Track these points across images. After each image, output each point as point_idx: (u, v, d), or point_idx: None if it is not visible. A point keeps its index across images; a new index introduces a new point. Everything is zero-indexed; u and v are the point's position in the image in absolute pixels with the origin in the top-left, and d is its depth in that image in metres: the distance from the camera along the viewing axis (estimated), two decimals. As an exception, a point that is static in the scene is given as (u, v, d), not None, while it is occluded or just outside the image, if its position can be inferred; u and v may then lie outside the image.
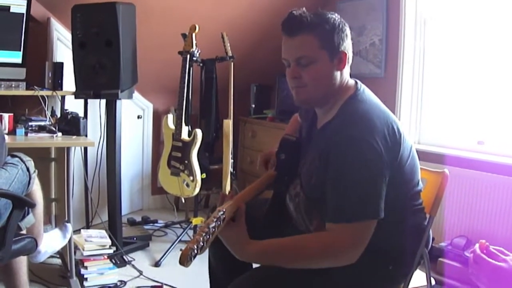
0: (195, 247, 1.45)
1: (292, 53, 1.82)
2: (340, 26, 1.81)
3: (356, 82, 1.91)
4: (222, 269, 2.21)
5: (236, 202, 1.74)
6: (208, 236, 1.50)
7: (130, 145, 4.88)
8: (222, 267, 2.21)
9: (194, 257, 1.46)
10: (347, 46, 1.84)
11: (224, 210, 1.62)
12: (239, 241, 1.70)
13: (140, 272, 3.57)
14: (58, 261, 3.59)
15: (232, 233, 1.69)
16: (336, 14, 1.84)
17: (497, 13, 3.60)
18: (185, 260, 1.44)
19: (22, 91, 3.66)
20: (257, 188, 2.01)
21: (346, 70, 1.87)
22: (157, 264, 3.75)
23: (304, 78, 1.80)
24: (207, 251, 1.71)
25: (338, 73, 1.83)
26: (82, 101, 4.03)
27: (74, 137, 3.51)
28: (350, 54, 1.86)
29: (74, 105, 3.93)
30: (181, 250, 1.48)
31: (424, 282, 2.14)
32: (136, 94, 4.38)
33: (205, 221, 1.62)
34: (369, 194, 1.67)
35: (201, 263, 1.88)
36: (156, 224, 4.69)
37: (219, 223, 1.56)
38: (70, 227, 3.13)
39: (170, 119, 4.04)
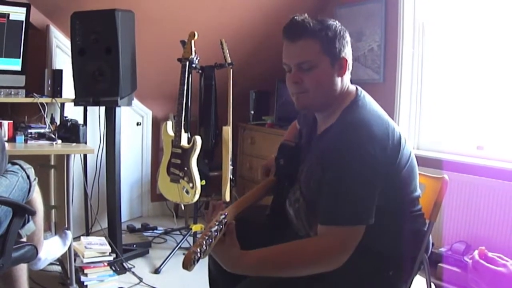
0: (198, 250, 1.45)
1: (294, 58, 1.82)
2: (341, 33, 1.83)
3: (356, 88, 1.92)
4: (222, 277, 2.20)
5: (237, 206, 1.74)
6: (210, 240, 1.50)
7: (130, 152, 4.88)
8: (222, 274, 2.20)
9: (197, 261, 1.46)
10: (348, 52, 1.85)
11: (226, 213, 1.61)
12: (232, 255, 1.65)
13: (140, 279, 3.56)
14: (58, 268, 3.58)
15: (225, 249, 1.64)
16: (337, 21, 1.85)
17: (495, 17, 3.62)
18: (189, 263, 1.44)
19: (21, 99, 3.65)
20: (257, 194, 2.01)
21: (347, 77, 1.88)
22: (157, 271, 3.75)
23: (306, 83, 1.81)
24: (207, 257, 1.71)
25: (339, 79, 1.84)
26: (81, 108, 4.03)
27: (74, 144, 3.51)
28: (350, 61, 1.87)
29: (73, 112, 3.93)
30: (184, 254, 1.48)
31: (424, 287, 2.14)
32: (135, 101, 4.38)
33: (206, 225, 1.61)
34: (362, 199, 1.68)
35: (201, 271, 1.88)
36: (155, 231, 4.69)
37: (221, 226, 1.56)
38: (70, 234, 3.13)
39: (170, 126, 4.04)
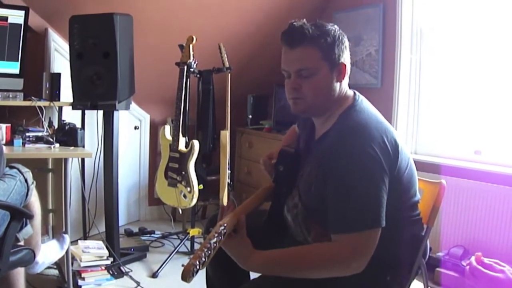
0: (197, 262, 1.45)
1: (293, 65, 1.81)
2: (340, 38, 1.82)
3: (354, 93, 1.92)
4: (220, 281, 2.20)
5: (236, 215, 1.74)
6: (209, 252, 1.50)
7: (127, 156, 4.87)
8: (219, 278, 2.20)
9: (196, 272, 1.46)
10: (346, 57, 1.85)
11: (225, 224, 1.61)
12: (243, 252, 1.70)
13: (138, 283, 3.55)
14: (55, 272, 3.57)
15: (236, 245, 1.70)
16: (336, 26, 1.84)
17: (493, 22, 3.63)
18: (187, 276, 1.44)
19: (19, 102, 3.66)
20: (256, 200, 2.01)
21: (345, 81, 1.88)
22: (154, 275, 3.74)
23: (305, 89, 1.81)
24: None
25: (337, 84, 1.84)
26: (79, 112, 4.02)
27: (72, 148, 3.50)
28: (349, 66, 1.87)
29: (71, 116, 3.92)
30: (183, 265, 1.48)
31: (421, 292, 2.14)
32: (133, 105, 4.38)
33: (203, 233, 1.62)
34: (369, 203, 1.67)
35: (199, 275, 1.87)
36: (153, 235, 4.68)
37: (220, 238, 1.56)
38: (67, 238, 3.12)
39: (167, 130, 4.04)
